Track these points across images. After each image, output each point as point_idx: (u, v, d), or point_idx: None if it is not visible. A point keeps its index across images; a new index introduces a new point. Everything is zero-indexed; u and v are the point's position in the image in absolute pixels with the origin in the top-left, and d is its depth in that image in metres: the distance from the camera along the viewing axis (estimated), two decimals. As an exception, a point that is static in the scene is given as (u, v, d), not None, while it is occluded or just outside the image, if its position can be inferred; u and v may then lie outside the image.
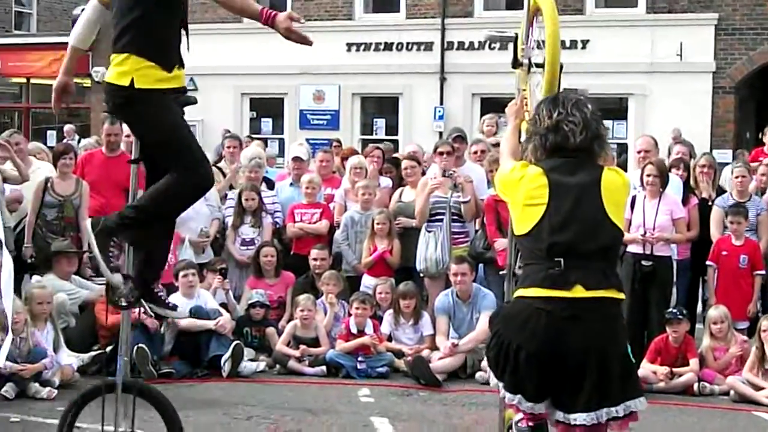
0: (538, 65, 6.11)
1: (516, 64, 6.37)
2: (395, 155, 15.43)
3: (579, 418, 4.77)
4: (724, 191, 12.03)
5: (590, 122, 4.99)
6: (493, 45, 23.12)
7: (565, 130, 4.94)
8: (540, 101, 5.22)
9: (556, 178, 4.89)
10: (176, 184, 6.00)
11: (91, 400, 6.47)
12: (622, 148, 22.99)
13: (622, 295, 4.94)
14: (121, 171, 11.87)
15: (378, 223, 12.00)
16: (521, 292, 4.92)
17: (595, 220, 4.87)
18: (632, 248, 11.00)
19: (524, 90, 6.20)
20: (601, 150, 5.08)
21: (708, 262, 11.33)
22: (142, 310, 6.78)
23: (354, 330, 11.14)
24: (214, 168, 13.72)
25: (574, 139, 4.93)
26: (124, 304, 6.18)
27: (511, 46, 6.52)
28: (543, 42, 6.02)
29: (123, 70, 5.80)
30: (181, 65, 5.98)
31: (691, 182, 12.03)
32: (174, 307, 6.60)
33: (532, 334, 4.76)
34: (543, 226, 4.86)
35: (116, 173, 11.69)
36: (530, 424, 4.94)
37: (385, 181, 13.71)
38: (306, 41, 5.47)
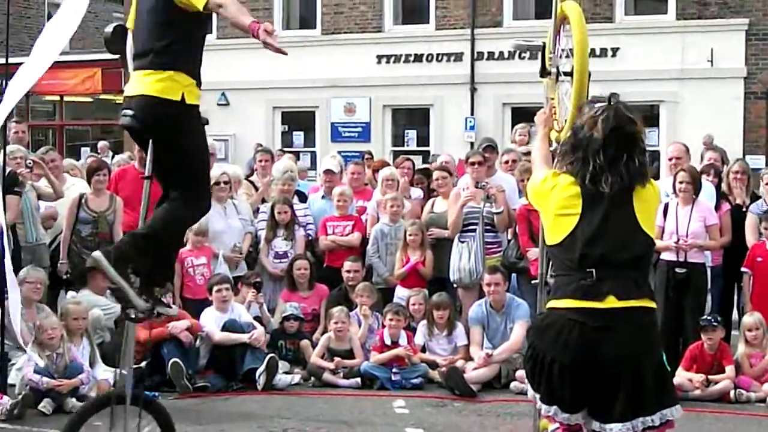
0: (566, 74, 6.11)
1: (544, 73, 6.38)
2: (426, 166, 15.45)
3: (615, 428, 4.75)
4: (759, 197, 11.95)
5: (621, 170, 4.92)
6: (522, 54, 23.12)
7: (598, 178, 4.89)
8: (582, 109, 5.15)
9: (589, 188, 4.87)
10: (187, 207, 6.19)
11: (99, 410, 6.55)
12: (654, 156, 22.88)
13: (654, 304, 4.91)
14: (155, 186, 11.98)
15: (410, 235, 12.01)
16: (553, 303, 4.91)
17: (627, 231, 4.84)
18: (666, 256, 10.96)
19: (552, 99, 6.21)
20: (637, 178, 5.02)
21: (743, 269, 11.26)
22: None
23: (388, 341, 11.15)
24: (246, 182, 13.82)
25: (605, 187, 4.88)
26: (133, 316, 6.22)
27: (540, 54, 6.53)
28: (571, 50, 6.02)
29: (170, 85, 5.90)
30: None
31: (724, 188, 11.95)
32: (168, 305, 6.54)
33: (565, 345, 4.74)
34: (575, 236, 4.84)
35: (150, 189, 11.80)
36: None
37: (416, 192, 13.74)
38: (280, 52, 5.56)
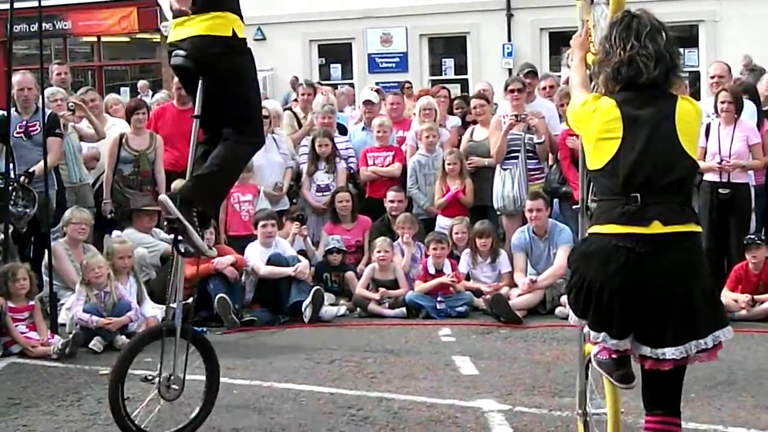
0: None
1: None
2: (464, 94, 15.41)
3: (668, 352, 4.73)
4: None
5: (664, 54, 4.85)
6: (559, -23, 22.87)
7: (639, 64, 4.82)
8: (611, 27, 5.08)
9: (629, 110, 4.80)
10: (241, 147, 6.31)
11: (150, 342, 6.72)
12: (695, 76, 22.65)
13: (699, 228, 4.86)
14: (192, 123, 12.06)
15: (449, 164, 12.00)
16: (597, 228, 4.85)
17: (670, 153, 4.76)
18: (709, 177, 10.89)
19: (588, 21, 6.10)
20: (675, 79, 4.99)
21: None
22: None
23: (432, 270, 11.18)
24: (288, 113, 13.84)
25: (648, 73, 4.82)
26: (182, 251, 6.37)
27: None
28: (606, -30, 5.91)
29: (219, 22, 6.03)
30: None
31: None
32: (208, 245, 6.65)
33: (614, 272, 4.70)
34: (618, 161, 4.77)
35: (189, 126, 11.81)
36: (614, 356, 4.94)
37: (453, 121, 13.69)
38: None
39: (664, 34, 4.90)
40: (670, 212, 4.71)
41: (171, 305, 6.65)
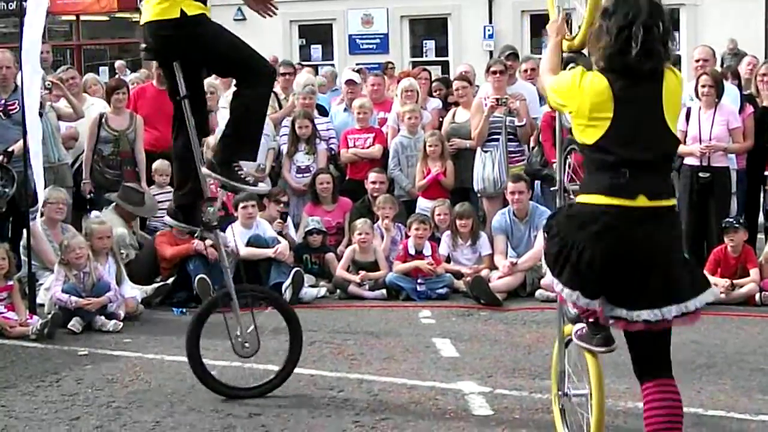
0: None
1: None
2: (445, 76, 15.39)
3: (643, 314, 4.84)
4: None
5: (657, 46, 4.87)
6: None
7: (630, 57, 4.81)
8: (606, 8, 5.04)
9: (620, 91, 4.84)
10: (255, 90, 6.52)
11: (209, 315, 7.22)
12: (676, 59, 22.65)
13: (674, 202, 5.01)
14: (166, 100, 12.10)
15: (430, 146, 11.98)
16: (584, 198, 4.95)
17: (657, 129, 4.88)
18: (689, 160, 10.91)
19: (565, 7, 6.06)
20: (666, 62, 5.01)
21: (767, 172, 11.19)
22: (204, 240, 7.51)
23: (412, 251, 11.17)
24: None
25: (641, 65, 4.84)
26: (215, 224, 6.85)
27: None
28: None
29: (168, 5, 6.07)
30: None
31: (752, 91, 11.75)
32: (255, 183, 6.92)
33: (597, 236, 4.83)
34: (609, 138, 4.85)
35: (169, 105, 11.75)
36: (590, 319, 5.04)
37: (434, 103, 13.67)
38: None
39: (660, 19, 4.90)
40: (655, 187, 4.89)
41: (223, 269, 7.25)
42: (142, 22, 6.30)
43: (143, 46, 6.39)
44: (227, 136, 6.53)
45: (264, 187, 7.41)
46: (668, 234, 4.92)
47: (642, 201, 4.81)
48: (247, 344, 7.18)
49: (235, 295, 7.11)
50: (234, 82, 6.71)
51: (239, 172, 6.50)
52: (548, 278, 5.18)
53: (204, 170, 6.52)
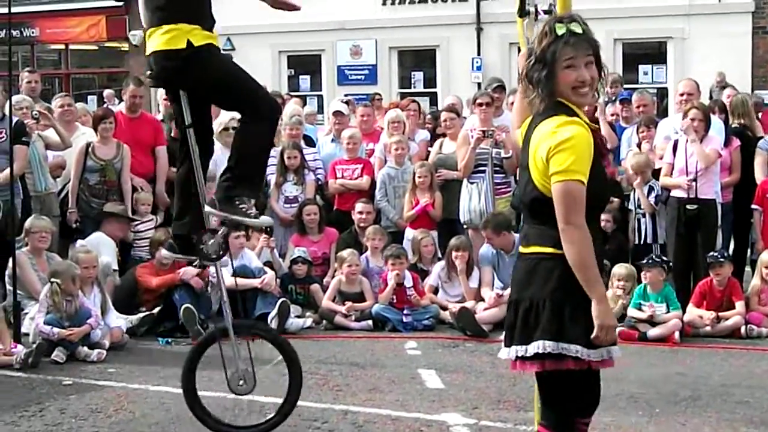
0: (546, 12, 5.94)
1: (522, 12, 6.19)
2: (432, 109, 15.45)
3: (501, 352, 4.79)
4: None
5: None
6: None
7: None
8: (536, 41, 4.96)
9: (525, 132, 4.85)
10: (259, 126, 6.43)
11: (206, 350, 6.96)
12: (663, 93, 22.79)
13: (544, 249, 4.67)
14: (144, 131, 12.39)
15: (419, 177, 12.01)
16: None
17: (525, 179, 4.78)
18: (676, 193, 10.95)
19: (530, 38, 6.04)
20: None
21: (753, 206, 11.23)
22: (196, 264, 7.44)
23: (393, 285, 11.15)
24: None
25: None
26: (214, 257, 6.63)
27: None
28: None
29: (174, 36, 6.09)
30: (213, 27, 6.33)
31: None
32: (257, 216, 6.75)
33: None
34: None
35: (140, 133, 12.37)
36: None
37: (422, 134, 13.70)
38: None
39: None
40: (524, 235, 4.83)
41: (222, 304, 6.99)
42: (147, 53, 6.26)
43: (149, 72, 6.34)
44: (229, 170, 6.48)
45: (267, 220, 7.31)
46: (527, 280, 4.72)
47: (521, 248, 4.83)
48: (242, 381, 6.90)
49: (232, 330, 6.89)
50: (239, 116, 6.65)
51: (241, 207, 6.43)
52: None
53: (206, 208, 6.48)
